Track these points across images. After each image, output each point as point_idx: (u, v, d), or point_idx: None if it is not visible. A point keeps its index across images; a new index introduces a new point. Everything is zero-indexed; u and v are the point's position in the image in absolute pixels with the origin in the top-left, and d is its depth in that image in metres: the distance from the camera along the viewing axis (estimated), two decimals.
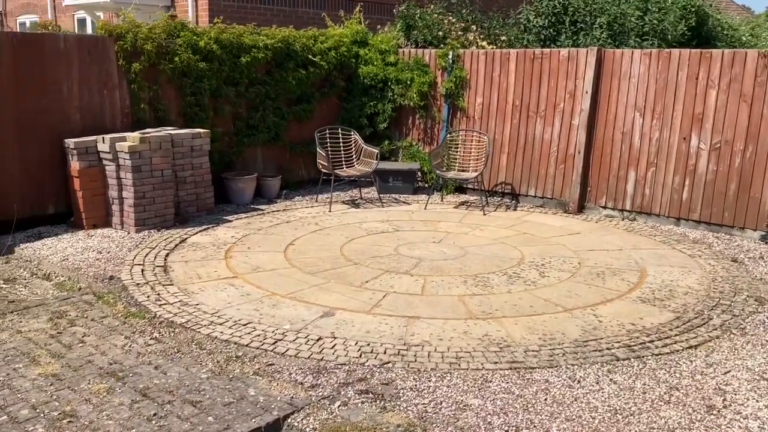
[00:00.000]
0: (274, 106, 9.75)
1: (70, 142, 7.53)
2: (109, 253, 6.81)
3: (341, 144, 9.71)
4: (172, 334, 4.86)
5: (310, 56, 10.00)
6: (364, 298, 5.65)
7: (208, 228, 7.86)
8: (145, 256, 6.68)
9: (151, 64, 8.38)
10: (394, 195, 10.04)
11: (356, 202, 9.57)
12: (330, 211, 8.88)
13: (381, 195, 9.96)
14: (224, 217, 8.38)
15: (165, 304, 5.44)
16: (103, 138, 7.58)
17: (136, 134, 7.60)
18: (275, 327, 5.00)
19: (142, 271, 6.24)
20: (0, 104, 7.26)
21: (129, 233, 7.54)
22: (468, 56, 10.09)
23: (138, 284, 5.89)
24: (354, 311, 5.36)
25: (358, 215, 8.74)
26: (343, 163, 9.62)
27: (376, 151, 9.33)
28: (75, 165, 7.55)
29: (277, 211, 8.89)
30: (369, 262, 6.67)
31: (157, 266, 6.40)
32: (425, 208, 9.23)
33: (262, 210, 8.90)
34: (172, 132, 8.08)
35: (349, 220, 8.43)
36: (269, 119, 9.69)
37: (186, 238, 7.40)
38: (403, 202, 9.62)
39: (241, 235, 7.59)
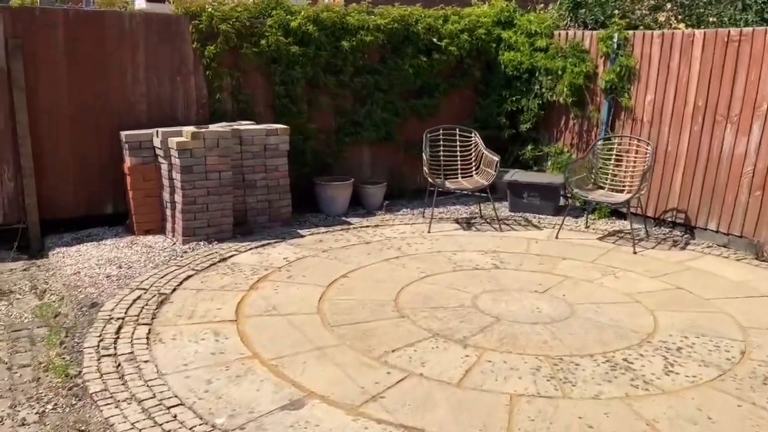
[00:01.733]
0: (385, 100, 8.17)
1: (123, 134, 6.62)
2: (130, 269, 5.75)
3: (458, 148, 7.86)
4: (67, 411, 3.55)
5: (434, 40, 8.25)
6: (366, 382, 3.90)
7: (268, 244, 6.53)
8: (161, 278, 5.51)
9: (232, 47, 7.22)
10: (528, 214, 7.99)
11: (471, 221, 7.68)
12: (428, 232, 7.13)
13: (512, 213, 7.99)
14: (298, 231, 7.01)
15: (109, 355, 4.16)
16: (157, 131, 6.57)
17: (189, 129, 6.48)
18: (203, 420, 3.47)
19: (136, 299, 5.05)
20: (53, 90, 6.53)
21: (175, 243, 6.46)
22: (639, 40, 7.66)
23: (110, 319, 4.69)
24: (335, 404, 3.64)
25: (459, 240, 6.88)
26: (459, 171, 7.78)
27: (496, 159, 7.35)
28: (127, 161, 6.63)
29: (368, 226, 7.33)
30: (422, 317, 4.87)
31: (161, 294, 5.17)
32: (556, 237, 7.08)
33: (350, 224, 7.39)
34: (241, 127, 6.87)
35: (443, 247, 6.61)
36: (378, 115, 8.13)
37: (229, 257, 6.13)
38: (533, 226, 7.54)
39: (296, 257, 6.15)
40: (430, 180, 7.32)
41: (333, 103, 7.95)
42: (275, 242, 6.61)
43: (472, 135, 7.83)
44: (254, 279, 5.57)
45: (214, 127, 6.69)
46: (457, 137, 7.86)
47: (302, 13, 7.56)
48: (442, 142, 7.78)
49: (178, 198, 6.47)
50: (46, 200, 6.65)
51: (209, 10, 7.06)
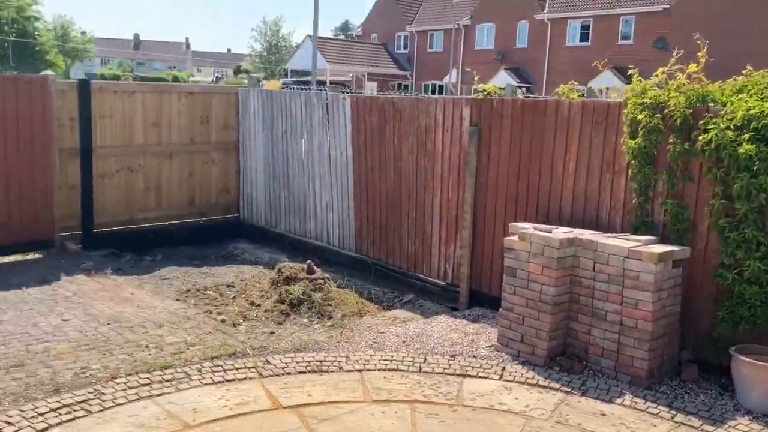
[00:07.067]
0: None
1: (511, 225, 6.37)
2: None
3: None
4: None
5: None
6: None
7: (502, 384, 5.15)
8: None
9: (661, 142, 5.61)
10: None
11: None
12: None
13: None
14: (629, 398, 5.04)
15: None
16: (535, 227, 6.06)
17: (523, 225, 5.72)
18: None
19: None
20: (496, 175, 6.93)
21: (492, 347, 5.93)
22: None
23: None
24: None
25: None
26: None
27: None
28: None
29: None
30: None
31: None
32: None
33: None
34: (596, 239, 5.45)
35: None
36: None
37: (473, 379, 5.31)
38: None
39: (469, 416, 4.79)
40: None
41: None
42: (549, 389, 5.10)
43: None
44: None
45: (559, 232, 5.61)
46: None
47: None
48: None
49: None
50: (477, 272, 7.15)
51: (643, 95, 5.71)
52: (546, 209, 6.57)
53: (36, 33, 50.89)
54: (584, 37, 35.31)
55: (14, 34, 47.25)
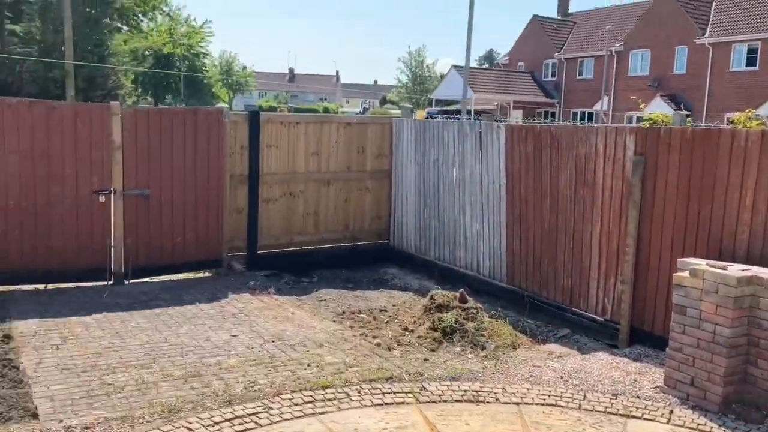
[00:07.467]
0: None
1: (679, 260, 6.04)
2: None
3: None
4: None
5: None
6: None
7: None
8: None
9: None
10: None
11: None
12: None
13: None
14: None
15: None
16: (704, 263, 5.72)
17: (695, 261, 5.38)
18: None
19: None
20: (663, 206, 6.61)
21: (658, 389, 5.62)
22: None
23: None
24: None
25: None
26: None
27: None
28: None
29: None
30: None
31: None
32: None
33: None
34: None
35: None
36: None
37: None
38: None
39: None
40: None
41: None
42: None
43: None
44: None
45: (735, 269, 5.23)
46: None
47: None
48: None
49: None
50: (639, 308, 6.82)
51: None
52: (718, 245, 6.17)
53: (203, 68, 55.15)
54: (751, 61, 32.94)
55: (185, 69, 51.50)
